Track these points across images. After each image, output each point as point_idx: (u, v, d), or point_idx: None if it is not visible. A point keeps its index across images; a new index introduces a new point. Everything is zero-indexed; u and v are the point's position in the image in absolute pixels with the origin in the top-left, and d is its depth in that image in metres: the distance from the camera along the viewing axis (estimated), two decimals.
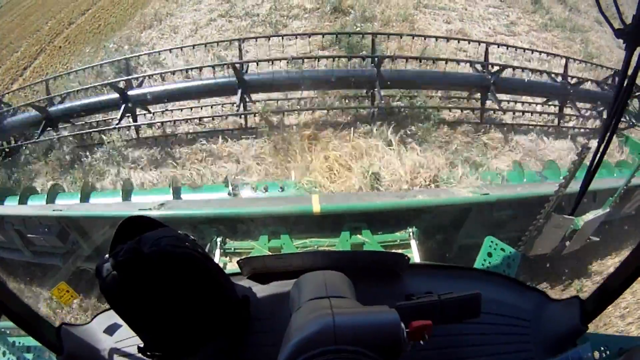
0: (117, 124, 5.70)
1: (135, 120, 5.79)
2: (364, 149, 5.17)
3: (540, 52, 6.78)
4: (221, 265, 3.29)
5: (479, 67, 5.98)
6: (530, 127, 6.26)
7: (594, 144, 1.52)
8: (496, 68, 5.86)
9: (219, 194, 4.62)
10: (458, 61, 6.10)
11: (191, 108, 5.96)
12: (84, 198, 4.67)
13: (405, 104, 6.03)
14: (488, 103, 5.96)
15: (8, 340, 1.86)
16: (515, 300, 1.45)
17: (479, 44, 6.35)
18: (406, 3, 8.55)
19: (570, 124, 6.40)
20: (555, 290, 4.63)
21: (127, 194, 4.68)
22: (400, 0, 8.59)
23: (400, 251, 3.20)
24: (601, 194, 4.11)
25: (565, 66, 6.21)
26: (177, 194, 4.64)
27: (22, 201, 4.83)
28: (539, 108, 6.47)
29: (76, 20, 9.60)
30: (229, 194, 4.53)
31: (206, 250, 2.92)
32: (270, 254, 3.34)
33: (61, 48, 8.56)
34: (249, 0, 8.89)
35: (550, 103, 6.38)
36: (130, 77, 5.95)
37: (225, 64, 5.73)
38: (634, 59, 1.22)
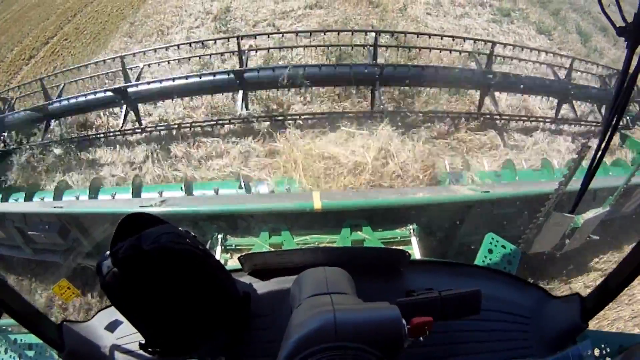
0: (121, 127, 5.73)
1: (138, 117, 5.79)
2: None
3: (547, 52, 6.74)
4: (222, 261, 3.29)
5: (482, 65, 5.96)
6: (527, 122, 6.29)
7: (593, 142, 1.52)
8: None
9: (230, 190, 4.64)
10: (462, 68, 6.06)
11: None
12: (92, 194, 4.65)
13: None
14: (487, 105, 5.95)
15: (9, 338, 1.85)
16: (516, 297, 1.45)
17: (485, 43, 6.31)
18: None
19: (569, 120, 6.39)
20: (555, 287, 4.63)
21: (137, 190, 4.65)
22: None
23: (400, 248, 3.20)
24: (601, 192, 4.11)
25: (571, 66, 6.20)
26: (188, 190, 4.64)
27: (28, 198, 4.82)
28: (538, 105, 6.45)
29: (38, 51, 9.10)
30: (241, 188, 4.58)
31: (207, 246, 2.92)
32: (271, 250, 3.34)
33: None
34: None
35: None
36: (131, 83, 5.85)
37: (227, 71, 5.69)
38: (635, 57, 1.21)
